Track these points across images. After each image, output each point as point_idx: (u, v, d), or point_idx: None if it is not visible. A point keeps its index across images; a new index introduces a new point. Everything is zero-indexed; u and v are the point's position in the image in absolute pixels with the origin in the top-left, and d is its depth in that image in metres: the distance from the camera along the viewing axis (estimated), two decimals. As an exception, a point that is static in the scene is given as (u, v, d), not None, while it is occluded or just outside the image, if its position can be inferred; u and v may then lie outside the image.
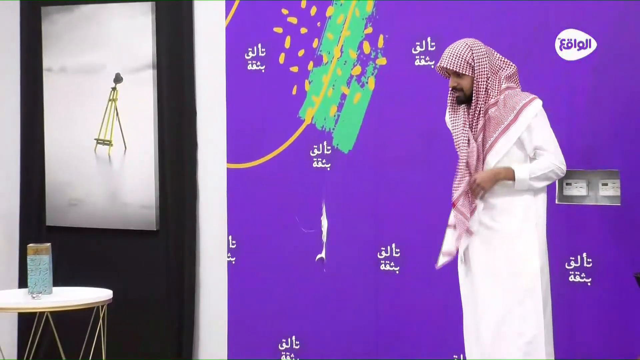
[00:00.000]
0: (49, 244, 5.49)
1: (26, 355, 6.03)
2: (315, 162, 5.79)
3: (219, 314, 6.09)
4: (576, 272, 5.20)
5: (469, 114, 4.62)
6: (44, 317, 5.73)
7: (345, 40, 5.70)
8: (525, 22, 5.27)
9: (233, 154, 5.98)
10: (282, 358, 5.88)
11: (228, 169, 6.00)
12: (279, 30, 5.85)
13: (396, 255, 5.62)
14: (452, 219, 4.67)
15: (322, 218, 5.78)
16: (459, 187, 4.64)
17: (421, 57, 5.51)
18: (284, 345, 5.88)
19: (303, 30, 5.79)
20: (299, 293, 5.82)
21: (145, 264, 6.33)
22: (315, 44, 5.77)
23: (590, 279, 5.18)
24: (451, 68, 4.56)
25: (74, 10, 6.45)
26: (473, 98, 4.57)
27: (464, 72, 4.56)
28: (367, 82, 5.65)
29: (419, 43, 5.53)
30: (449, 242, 4.68)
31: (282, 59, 5.85)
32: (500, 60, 4.64)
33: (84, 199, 6.46)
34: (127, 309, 6.19)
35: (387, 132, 5.62)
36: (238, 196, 5.97)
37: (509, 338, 4.54)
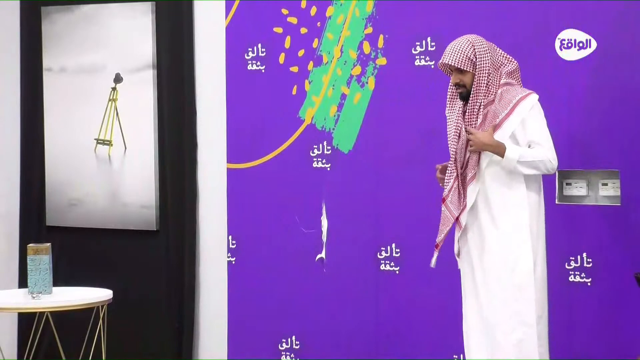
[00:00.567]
0: (49, 244, 5.49)
1: (26, 355, 6.03)
2: (315, 162, 5.79)
3: (219, 314, 6.09)
4: (576, 272, 5.20)
5: (466, 109, 4.63)
6: (44, 317, 5.73)
7: (345, 40, 5.70)
8: (525, 22, 5.27)
9: (233, 154, 5.98)
10: (282, 358, 5.88)
11: (228, 169, 6.00)
12: (279, 30, 5.85)
13: (396, 255, 5.62)
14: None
15: (322, 218, 5.78)
16: (448, 183, 4.65)
17: (421, 57, 5.52)
18: (284, 345, 5.88)
19: (303, 30, 5.79)
20: (299, 293, 5.83)
21: (145, 264, 6.33)
22: (315, 44, 5.77)
23: (590, 279, 5.18)
24: (453, 64, 4.57)
25: (74, 11, 6.45)
26: (472, 93, 4.57)
27: (466, 69, 4.56)
28: (367, 82, 5.66)
29: (419, 43, 5.53)
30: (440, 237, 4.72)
31: (282, 59, 5.85)
32: (502, 57, 4.65)
33: (84, 199, 6.46)
34: (127, 309, 6.19)
35: (387, 132, 5.62)
36: (238, 196, 5.97)
37: (499, 335, 4.53)
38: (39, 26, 6.54)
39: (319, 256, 5.79)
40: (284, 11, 5.83)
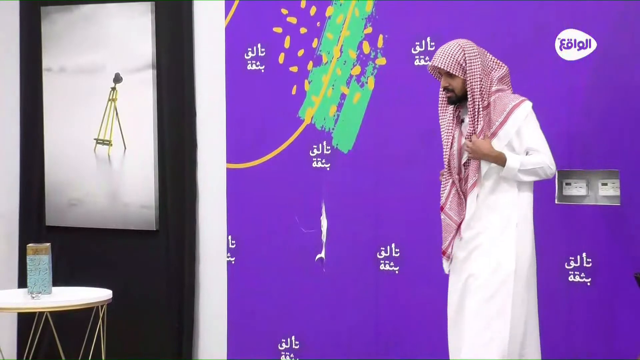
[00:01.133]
0: (48, 244, 5.49)
1: (26, 355, 6.03)
2: (315, 162, 5.79)
3: (219, 313, 6.09)
4: (576, 272, 5.20)
5: (457, 114, 4.63)
6: (44, 317, 5.73)
7: (345, 40, 5.70)
8: (525, 22, 5.27)
9: (233, 154, 5.98)
10: (281, 358, 5.88)
11: (228, 169, 6.00)
12: (278, 30, 5.85)
13: (396, 255, 5.62)
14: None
15: (321, 218, 5.78)
16: (444, 190, 4.65)
17: (421, 57, 5.51)
18: (284, 345, 5.88)
19: (303, 30, 5.79)
20: (299, 293, 5.83)
21: (145, 264, 6.33)
22: (314, 43, 5.77)
23: (589, 279, 5.18)
24: (443, 68, 4.56)
25: (73, 11, 6.45)
26: (469, 100, 4.56)
27: (455, 73, 4.55)
28: (366, 82, 5.66)
29: (418, 43, 5.53)
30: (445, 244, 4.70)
31: (281, 59, 5.85)
32: (493, 62, 4.63)
33: (83, 199, 6.46)
34: (126, 309, 6.20)
35: (387, 132, 5.62)
36: (238, 196, 5.97)
37: (475, 333, 4.52)
38: (39, 26, 6.54)
39: (318, 256, 5.79)
40: (284, 11, 5.82)
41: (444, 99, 4.66)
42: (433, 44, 5.47)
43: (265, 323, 5.90)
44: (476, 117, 4.56)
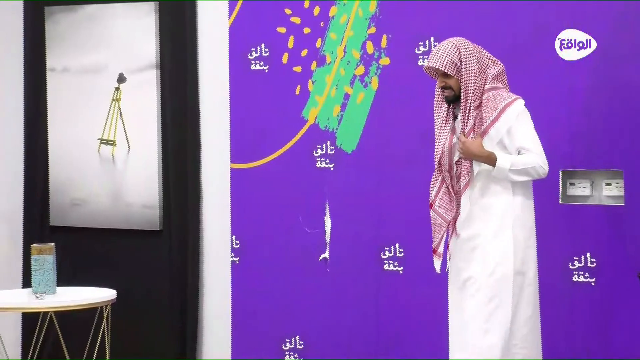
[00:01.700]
0: (52, 244, 5.50)
1: (30, 355, 6.04)
2: (319, 162, 5.79)
3: (223, 313, 6.09)
4: (580, 272, 5.20)
5: (452, 114, 4.63)
6: (48, 317, 5.74)
7: (349, 40, 5.70)
8: (525, 22, 5.26)
9: (236, 154, 5.98)
10: (285, 358, 5.88)
11: (231, 169, 6.00)
12: (282, 30, 5.85)
13: (399, 255, 5.62)
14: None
15: (325, 218, 5.78)
16: (433, 187, 4.64)
17: (424, 57, 5.51)
18: (288, 345, 5.88)
19: (306, 30, 5.79)
20: (303, 293, 5.83)
21: (148, 264, 6.34)
22: (318, 43, 5.77)
23: (593, 279, 5.18)
24: (439, 68, 4.55)
25: (77, 11, 6.45)
26: (462, 98, 4.55)
27: (450, 73, 4.54)
28: (370, 82, 5.66)
29: (422, 43, 5.53)
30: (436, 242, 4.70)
31: (285, 59, 5.85)
32: (488, 59, 4.62)
33: (87, 199, 6.46)
34: (130, 309, 6.20)
35: (391, 131, 5.62)
36: (241, 196, 5.97)
37: (475, 334, 4.51)
38: (43, 26, 6.55)
39: (322, 256, 5.79)
40: (287, 11, 5.83)
41: (440, 96, 4.65)
42: (436, 44, 5.46)
43: (269, 323, 5.90)
44: (467, 116, 4.54)
